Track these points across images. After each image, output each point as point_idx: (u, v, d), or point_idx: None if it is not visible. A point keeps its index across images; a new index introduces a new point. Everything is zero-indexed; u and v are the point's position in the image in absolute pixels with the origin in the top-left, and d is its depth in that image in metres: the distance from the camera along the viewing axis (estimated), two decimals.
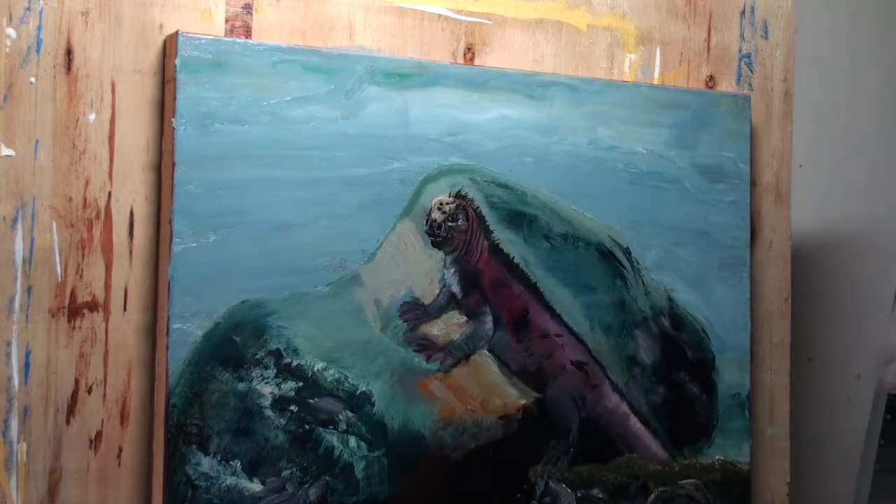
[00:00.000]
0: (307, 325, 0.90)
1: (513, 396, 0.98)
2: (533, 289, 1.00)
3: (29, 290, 0.84)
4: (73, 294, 0.85)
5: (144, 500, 0.87)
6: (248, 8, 0.92)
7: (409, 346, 0.94)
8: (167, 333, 0.85)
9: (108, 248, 0.87)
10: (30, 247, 0.84)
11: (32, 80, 0.84)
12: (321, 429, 0.90)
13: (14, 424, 0.83)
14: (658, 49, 1.10)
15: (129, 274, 0.87)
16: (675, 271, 1.06)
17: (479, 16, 1.02)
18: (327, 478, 0.90)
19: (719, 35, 1.13)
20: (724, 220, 1.09)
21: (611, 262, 1.03)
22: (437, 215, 0.96)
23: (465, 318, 0.97)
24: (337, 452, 0.91)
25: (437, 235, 0.96)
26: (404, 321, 0.94)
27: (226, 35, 0.91)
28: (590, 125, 1.03)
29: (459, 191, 0.97)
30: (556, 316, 1.00)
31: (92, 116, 0.86)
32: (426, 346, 0.95)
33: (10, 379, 0.83)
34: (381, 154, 0.94)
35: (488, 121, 0.98)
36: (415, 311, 0.95)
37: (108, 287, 0.86)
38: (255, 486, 0.87)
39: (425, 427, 0.94)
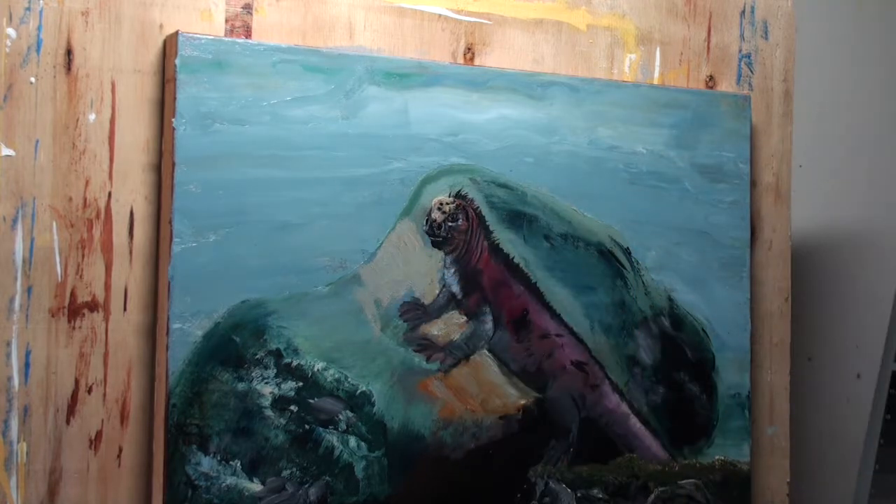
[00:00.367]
0: (307, 325, 0.90)
1: (513, 396, 0.98)
2: (533, 289, 1.00)
3: (29, 290, 0.84)
4: (73, 294, 0.85)
5: (144, 500, 0.87)
6: (248, 8, 0.92)
7: (409, 346, 0.94)
8: (167, 333, 0.85)
9: (108, 248, 0.87)
10: (30, 247, 0.84)
11: (32, 80, 0.84)
12: (321, 429, 0.90)
13: (14, 424, 0.83)
14: (658, 49, 1.10)
15: (129, 274, 0.87)
16: (675, 271, 1.06)
17: (479, 16, 1.02)
18: (327, 478, 0.90)
19: (719, 35, 1.13)
20: (724, 220, 1.09)
21: (611, 262, 1.03)
22: (437, 215, 0.96)
23: (465, 318, 0.97)
24: (337, 452, 0.91)
25: (437, 235, 0.96)
26: (404, 321, 0.94)
27: (226, 35, 0.91)
28: (590, 125, 1.03)
29: (459, 191, 0.97)
30: (556, 316, 1.00)
31: (92, 116, 0.86)
32: (426, 346, 0.95)
33: (10, 379, 0.83)
34: (381, 154, 0.94)
35: (488, 121, 0.98)
36: (415, 311, 0.95)
37: (108, 287, 0.86)
38: (255, 486, 0.87)
39: (425, 427, 0.94)
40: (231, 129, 0.88)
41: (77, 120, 0.86)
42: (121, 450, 0.87)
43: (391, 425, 0.93)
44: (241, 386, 0.87)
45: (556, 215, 1.01)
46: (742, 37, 1.14)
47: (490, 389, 0.97)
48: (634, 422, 1.03)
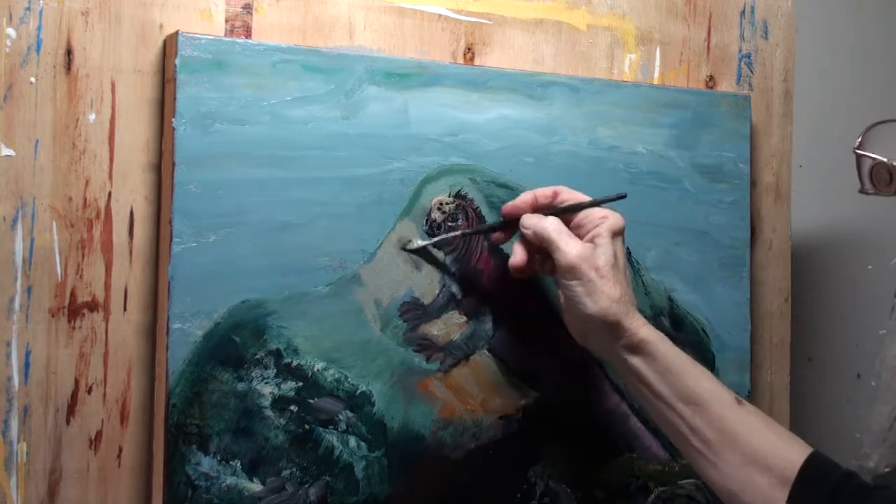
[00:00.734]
0: (307, 325, 0.90)
1: (513, 396, 0.98)
2: (533, 288, 0.99)
3: (29, 290, 0.84)
4: (73, 294, 0.85)
5: (144, 500, 0.87)
6: (248, 8, 0.92)
7: (409, 346, 0.94)
8: (167, 333, 0.85)
9: (108, 248, 0.87)
10: (30, 247, 0.84)
11: (32, 80, 0.84)
12: (321, 429, 0.90)
13: (14, 424, 0.83)
14: (658, 49, 1.10)
15: (129, 274, 0.87)
16: (675, 271, 1.06)
17: (479, 16, 1.02)
18: (327, 478, 0.90)
19: (719, 35, 1.13)
20: (724, 220, 1.09)
21: None
22: (437, 215, 0.96)
23: (465, 318, 0.97)
24: (337, 452, 0.91)
25: (437, 235, 0.96)
26: (404, 321, 0.94)
27: (226, 35, 0.91)
28: (590, 125, 1.03)
29: (459, 191, 0.97)
30: (556, 316, 1.00)
31: (92, 116, 0.86)
32: (426, 346, 0.95)
33: (9, 379, 0.83)
34: (381, 154, 0.94)
35: (488, 121, 0.98)
36: (415, 311, 0.95)
37: (108, 287, 0.86)
38: (255, 486, 0.87)
39: (425, 427, 0.94)
40: (231, 129, 0.88)
41: (77, 120, 0.86)
42: (121, 450, 0.87)
43: (391, 425, 0.93)
44: (241, 386, 0.87)
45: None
46: (742, 37, 1.14)
47: (490, 389, 0.97)
48: (634, 422, 1.03)
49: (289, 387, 0.89)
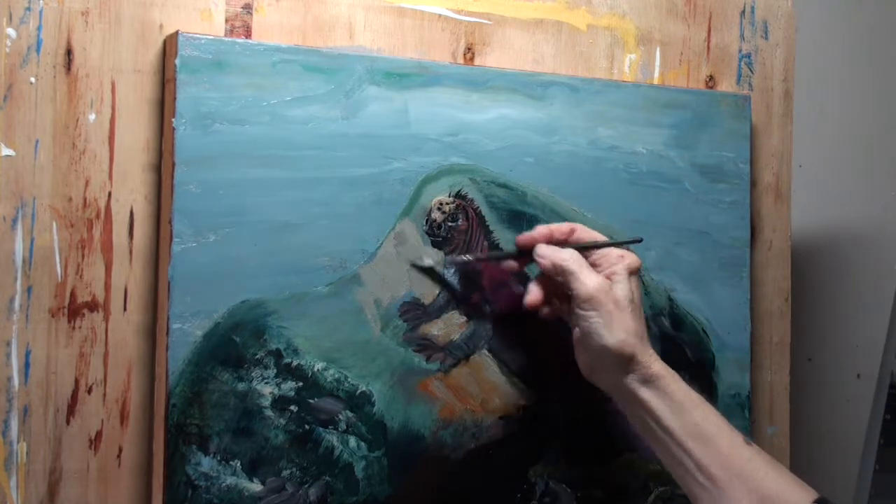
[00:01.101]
0: (307, 325, 0.90)
1: (513, 396, 0.98)
2: None
3: (29, 290, 0.84)
4: (73, 294, 0.85)
5: (144, 500, 0.87)
6: (248, 8, 0.92)
7: (409, 346, 0.94)
8: (167, 333, 0.85)
9: (108, 248, 0.87)
10: (30, 247, 0.84)
11: (32, 80, 0.84)
12: (321, 429, 0.90)
13: (14, 424, 0.83)
14: (658, 49, 1.10)
15: (129, 274, 0.87)
16: (675, 271, 1.06)
17: (479, 16, 1.02)
18: (327, 478, 0.90)
19: (719, 35, 1.13)
20: (724, 220, 1.09)
21: None
22: (437, 215, 0.96)
23: (465, 318, 0.97)
24: (337, 452, 0.91)
25: (437, 235, 0.96)
26: (404, 321, 0.94)
27: (226, 35, 0.91)
28: (590, 125, 1.03)
29: (459, 191, 0.97)
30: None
31: (92, 116, 0.86)
32: (426, 346, 0.95)
33: (9, 379, 0.83)
34: (381, 154, 0.94)
35: (488, 121, 0.98)
36: (415, 311, 0.95)
37: (108, 287, 0.86)
38: (255, 486, 0.87)
39: (425, 427, 0.94)
40: (231, 129, 0.88)
41: (77, 120, 0.86)
42: (121, 450, 0.87)
43: (391, 425, 0.93)
44: (241, 386, 0.87)
45: (556, 215, 1.01)
46: (742, 37, 1.14)
47: (490, 389, 0.97)
48: None
49: (289, 387, 0.89)
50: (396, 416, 0.93)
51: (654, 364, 0.90)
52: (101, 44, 0.87)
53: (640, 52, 1.09)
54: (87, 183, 0.86)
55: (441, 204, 0.96)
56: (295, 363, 0.89)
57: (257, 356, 0.88)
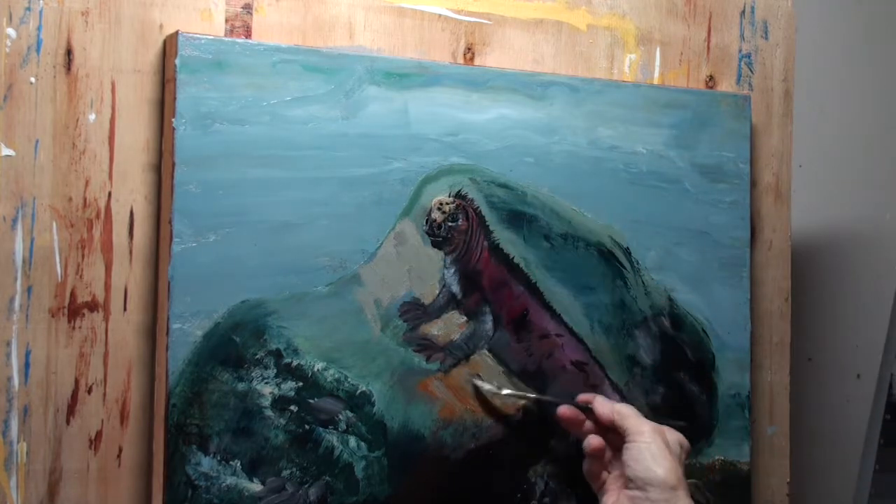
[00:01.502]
0: (307, 325, 0.90)
1: (513, 396, 0.98)
2: (533, 289, 1.00)
3: (29, 290, 0.84)
4: (73, 294, 0.85)
5: (144, 500, 0.87)
6: (248, 8, 0.92)
7: (409, 346, 0.94)
8: (167, 333, 0.85)
9: (108, 248, 0.87)
10: (30, 247, 0.84)
11: (32, 80, 0.84)
12: (321, 429, 0.90)
13: (14, 424, 0.83)
14: (658, 49, 1.10)
15: (129, 274, 0.87)
16: (675, 271, 1.06)
17: (479, 16, 1.02)
18: (327, 478, 0.90)
19: (719, 35, 1.13)
20: (724, 220, 1.09)
21: (611, 262, 1.03)
22: (436, 215, 0.96)
23: (465, 318, 0.97)
24: (337, 452, 0.91)
25: (437, 235, 0.96)
26: (404, 321, 0.94)
27: (226, 35, 0.91)
28: (590, 125, 1.03)
29: (459, 191, 0.97)
30: (556, 316, 1.00)
31: (92, 116, 0.86)
32: (426, 346, 0.95)
33: (10, 379, 0.83)
34: (381, 154, 0.94)
35: (488, 121, 0.98)
36: (415, 311, 0.95)
37: (108, 287, 0.86)
38: (255, 486, 0.87)
39: (425, 427, 0.94)
40: (231, 129, 0.88)
41: (77, 120, 0.86)
42: (121, 450, 0.87)
43: (391, 425, 0.93)
44: (241, 386, 0.87)
45: (556, 215, 1.01)
46: (742, 37, 1.14)
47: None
48: None
49: (289, 387, 0.89)
50: (396, 416, 0.93)
51: (690, 502, 0.91)
52: (101, 44, 0.87)
53: (640, 52, 1.09)
54: (87, 183, 0.86)
55: (441, 204, 0.96)
56: (295, 363, 0.89)
57: (257, 356, 0.88)
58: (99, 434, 0.86)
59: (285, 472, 0.89)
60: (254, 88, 0.89)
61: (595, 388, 1.02)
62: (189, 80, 0.86)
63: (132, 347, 0.87)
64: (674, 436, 0.95)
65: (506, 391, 0.96)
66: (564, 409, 0.96)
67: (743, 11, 1.14)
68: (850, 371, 1.37)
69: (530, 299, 1.00)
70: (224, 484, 0.86)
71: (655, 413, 1.04)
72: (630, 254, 1.04)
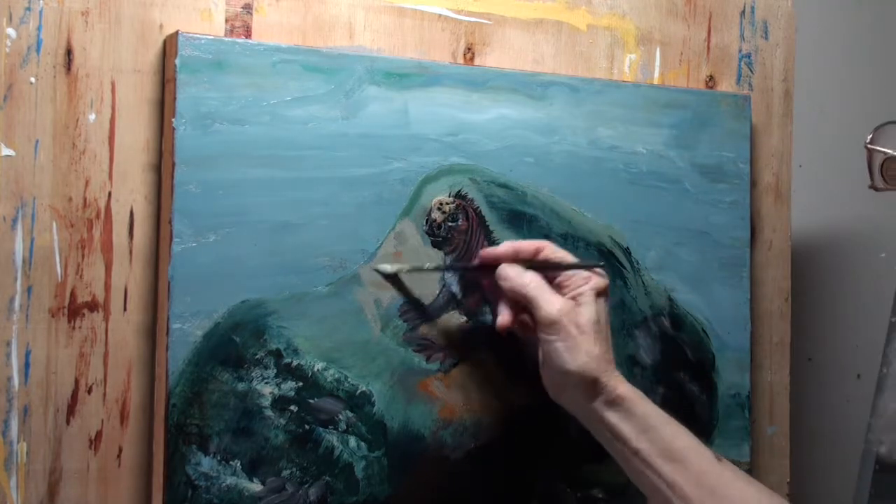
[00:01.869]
0: (307, 325, 0.90)
1: (513, 396, 0.98)
2: None
3: (29, 290, 0.84)
4: (73, 294, 0.85)
5: (144, 500, 0.87)
6: (248, 8, 0.92)
7: (409, 346, 0.94)
8: (167, 333, 0.85)
9: (108, 248, 0.87)
10: (30, 247, 0.84)
11: (32, 80, 0.84)
12: (321, 429, 0.90)
13: (14, 424, 0.83)
14: (658, 49, 1.10)
15: (129, 274, 0.87)
16: (675, 271, 1.06)
17: (479, 16, 1.02)
18: (327, 478, 0.90)
19: (719, 35, 1.13)
20: (724, 220, 1.09)
21: (611, 262, 1.03)
22: (436, 215, 0.96)
23: (465, 318, 0.97)
24: (337, 452, 0.91)
25: (437, 235, 0.96)
26: (404, 321, 0.94)
27: (226, 35, 0.91)
28: (590, 125, 1.03)
29: (459, 191, 0.97)
30: None
31: (92, 116, 0.86)
32: (426, 346, 0.95)
33: (10, 379, 0.83)
34: (381, 154, 0.94)
35: (488, 121, 0.98)
36: (415, 311, 0.95)
37: (108, 287, 0.86)
38: (255, 486, 0.87)
39: (425, 427, 0.94)
40: (231, 129, 0.88)
41: (77, 120, 0.86)
42: (121, 450, 0.87)
43: (391, 425, 0.93)
44: (241, 386, 0.88)
45: (556, 215, 1.01)
46: (742, 37, 1.14)
47: (490, 389, 0.97)
48: None
49: (289, 387, 0.89)
50: (396, 416, 0.93)
51: (620, 386, 0.89)
52: (101, 44, 0.87)
53: (640, 52, 1.09)
54: (87, 183, 0.86)
55: (441, 204, 0.96)
56: (295, 363, 0.89)
57: (257, 356, 0.88)
58: (99, 434, 0.86)
59: (285, 472, 0.89)
60: (254, 88, 0.89)
61: None
62: (189, 80, 0.86)
63: (132, 347, 0.87)
64: (587, 309, 0.89)
65: (407, 266, 0.93)
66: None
67: (743, 11, 1.14)
68: (850, 371, 1.37)
69: None
70: (224, 484, 0.86)
71: None
72: (630, 254, 1.04)
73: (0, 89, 0.83)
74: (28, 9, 0.84)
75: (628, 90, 1.06)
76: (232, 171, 0.88)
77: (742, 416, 1.08)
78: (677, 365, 1.06)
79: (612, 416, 0.89)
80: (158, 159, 0.88)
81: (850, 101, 1.42)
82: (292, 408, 0.89)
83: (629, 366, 1.03)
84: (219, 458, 0.86)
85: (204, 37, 0.88)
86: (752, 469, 1.09)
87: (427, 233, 0.95)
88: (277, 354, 0.89)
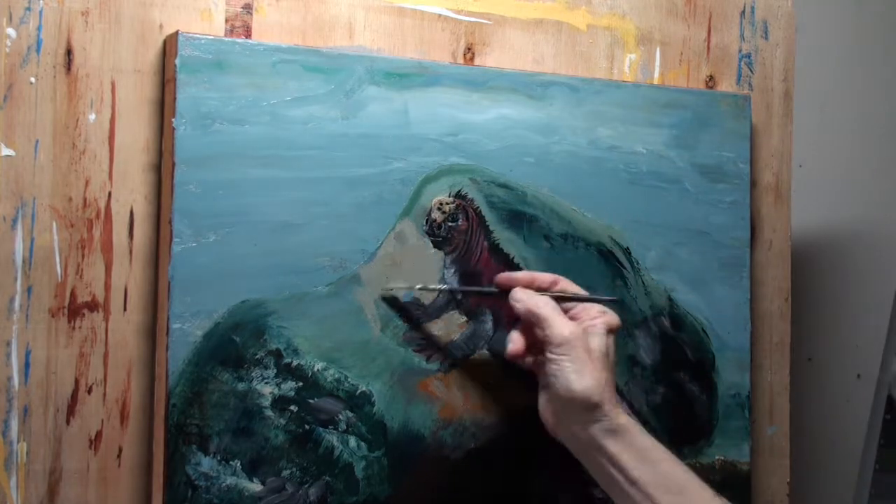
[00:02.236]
0: (307, 325, 0.90)
1: (513, 396, 0.98)
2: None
3: (29, 290, 0.84)
4: (73, 294, 0.85)
5: (144, 500, 0.87)
6: (248, 8, 0.92)
7: (409, 346, 0.94)
8: (167, 333, 0.85)
9: (108, 248, 0.87)
10: (30, 247, 0.84)
11: (32, 80, 0.84)
12: (321, 429, 0.90)
13: (14, 424, 0.83)
14: (658, 49, 1.10)
15: (129, 274, 0.87)
16: (675, 271, 1.06)
17: (479, 16, 1.02)
18: (327, 478, 0.90)
19: (719, 35, 1.13)
20: (724, 220, 1.09)
21: (611, 262, 1.03)
22: (437, 215, 0.96)
23: (465, 318, 0.97)
24: (337, 452, 0.91)
25: (437, 235, 0.96)
26: (404, 321, 0.94)
27: (226, 35, 0.91)
28: (590, 125, 1.03)
29: (459, 191, 0.97)
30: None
31: (92, 116, 0.86)
32: (426, 346, 0.95)
33: (10, 379, 0.83)
34: (381, 154, 0.94)
35: (488, 121, 0.98)
36: (415, 312, 0.95)
37: (108, 287, 0.86)
38: (255, 486, 0.87)
39: (425, 427, 0.94)
40: (231, 129, 0.88)
41: (77, 120, 0.86)
42: (121, 450, 0.87)
43: (391, 425, 0.93)
44: (241, 386, 0.88)
45: (556, 215, 1.01)
46: (742, 37, 1.14)
47: (490, 389, 0.97)
48: None
49: (289, 387, 0.89)
50: (396, 416, 0.93)
51: (622, 416, 0.88)
52: (101, 44, 0.87)
53: (640, 52, 1.09)
54: (87, 183, 0.86)
55: (441, 204, 0.96)
56: (295, 363, 0.89)
57: (257, 356, 0.88)
58: (99, 434, 0.86)
59: (285, 472, 0.89)
60: (254, 88, 0.89)
61: None
62: (189, 80, 0.86)
63: (132, 347, 0.87)
64: (598, 340, 0.89)
65: (419, 286, 0.94)
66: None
67: (743, 11, 1.14)
68: (850, 371, 1.37)
69: None
70: (224, 484, 0.86)
71: (655, 413, 1.04)
72: (630, 254, 1.04)
73: (0, 89, 0.83)
74: (28, 9, 0.84)
75: (628, 90, 1.06)
76: (232, 171, 0.88)
77: (742, 416, 1.08)
78: (677, 365, 1.06)
79: (612, 445, 0.88)
80: (158, 159, 0.88)
81: (850, 101, 1.42)
82: (292, 408, 0.89)
83: (629, 366, 1.03)
84: (219, 458, 0.86)
85: (204, 37, 0.88)
86: (752, 469, 1.09)
87: (427, 233, 0.95)
88: (277, 354, 0.89)
